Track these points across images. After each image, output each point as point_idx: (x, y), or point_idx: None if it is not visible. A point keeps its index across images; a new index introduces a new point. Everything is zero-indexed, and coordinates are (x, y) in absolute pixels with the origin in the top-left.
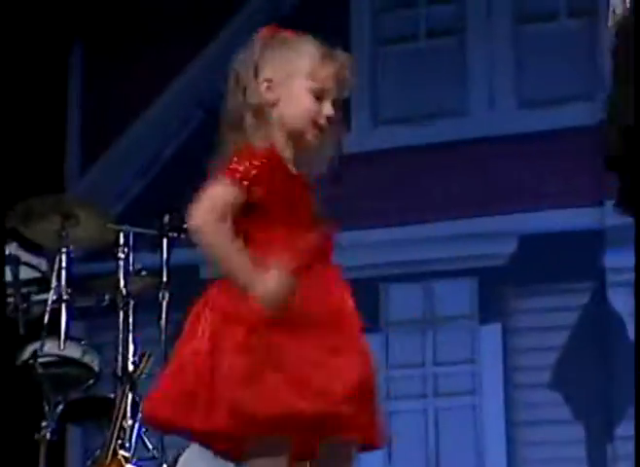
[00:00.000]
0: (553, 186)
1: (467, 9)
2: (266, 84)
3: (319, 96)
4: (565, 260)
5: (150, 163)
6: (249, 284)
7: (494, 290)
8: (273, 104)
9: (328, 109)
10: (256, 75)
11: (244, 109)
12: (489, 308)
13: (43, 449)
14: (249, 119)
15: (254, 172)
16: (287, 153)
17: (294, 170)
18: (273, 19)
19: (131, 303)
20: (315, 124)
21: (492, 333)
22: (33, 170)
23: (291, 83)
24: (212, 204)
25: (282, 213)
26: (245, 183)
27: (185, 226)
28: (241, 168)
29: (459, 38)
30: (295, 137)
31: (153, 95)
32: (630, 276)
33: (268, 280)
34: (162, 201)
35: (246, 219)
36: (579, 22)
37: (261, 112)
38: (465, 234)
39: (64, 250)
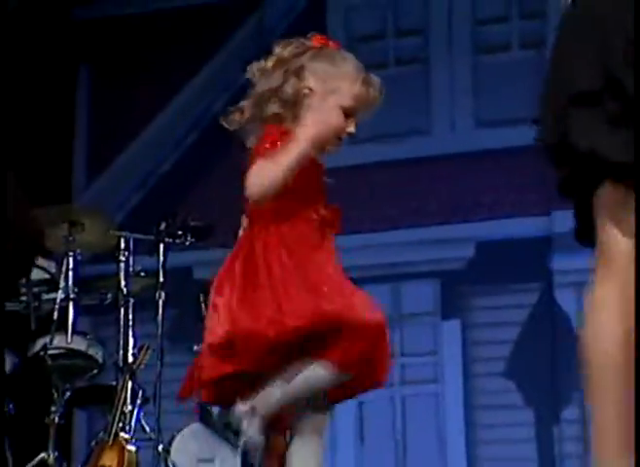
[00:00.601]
0: (507, 198)
1: (430, 41)
2: (307, 90)
3: (349, 114)
4: (517, 263)
5: (148, 177)
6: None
7: (454, 290)
8: (307, 109)
9: (352, 127)
10: (298, 76)
11: (279, 93)
12: (450, 306)
13: (52, 432)
14: (278, 103)
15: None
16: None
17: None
18: (260, 48)
19: (131, 301)
20: (339, 138)
21: (453, 328)
22: (44, 183)
23: (328, 98)
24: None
25: (299, 189)
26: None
27: (179, 232)
28: (271, 149)
29: (423, 66)
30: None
31: (151, 117)
32: (574, 278)
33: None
34: (159, 211)
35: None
36: (528, 53)
37: (291, 105)
38: (429, 240)
39: (71, 254)
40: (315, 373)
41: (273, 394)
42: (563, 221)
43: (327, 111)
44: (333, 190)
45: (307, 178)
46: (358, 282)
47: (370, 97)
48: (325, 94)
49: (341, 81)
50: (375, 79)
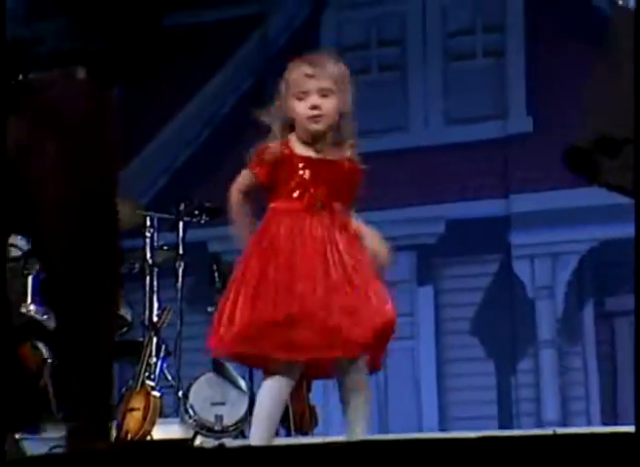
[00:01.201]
0: (472, 183)
1: (407, 50)
2: (277, 103)
3: (301, 97)
4: (480, 238)
5: (169, 167)
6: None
7: (428, 261)
8: (283, 116)
9: (309, 101)
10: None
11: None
12: (424, 274)
13: None
14: (274, 127)
15: (259, 162)
16: (299, 146)
17: (309, 154)
18: (262, 59)
19: (155, 270)
20: (308, 117)
21: (426, 293)
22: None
23: (285, 99)
24: (237, 182)
25: (279, 189)
26: (254, 171)
27: (195, 212)
28: (254, 162)
29: (401, 72)
30: (302, 132)
31: (171, 116)
32: (528, 251)
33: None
34: (179, 194)
35: (267, 194)
36: (491, 60)
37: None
38: (406, 219)
39: None
40: None
41: None
42: (519, 203)
43: (289, 108)
44: None
45: (286, 173)
46: None
47: (302, 73)
48: (284, 98)
49: (286, 79)
50: (305, 58)
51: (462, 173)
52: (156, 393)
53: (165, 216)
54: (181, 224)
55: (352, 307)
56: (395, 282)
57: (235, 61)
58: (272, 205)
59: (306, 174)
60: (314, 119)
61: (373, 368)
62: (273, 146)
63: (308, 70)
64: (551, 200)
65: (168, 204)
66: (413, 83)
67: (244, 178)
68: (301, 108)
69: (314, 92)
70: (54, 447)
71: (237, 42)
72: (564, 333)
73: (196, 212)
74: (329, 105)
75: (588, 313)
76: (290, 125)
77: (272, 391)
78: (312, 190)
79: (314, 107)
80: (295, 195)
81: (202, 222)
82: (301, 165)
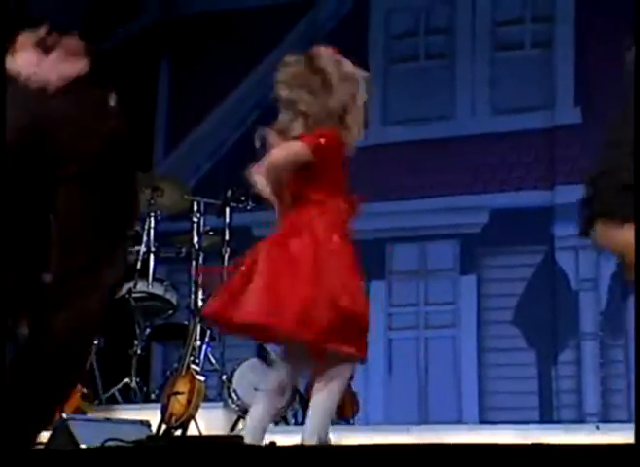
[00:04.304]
0: (517, 173)
1: (456, 38)
2: (326, 94)
3: (360, 107)
4: (524, 229)
5: (216, 150)
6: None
7: (471, 250)
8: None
9: (364, 116)
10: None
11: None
12: (467, 264)
13: (134, 362)
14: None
15: (320, 143)
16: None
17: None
18: (310, 45)
19: (201, 254)
20: (363, 129)
21: (469, 282)
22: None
23: (357, 105)
24: (288, 149)
25: (327, 179)
26: (312, 146)
27: (242, 198)
28: (313, 139)
29: (449, 60)
30: (350, 135)
31: (219, 100)
32: (572, 242)
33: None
34: (226, 179)
35: (302, 179)
36: (539, 50)
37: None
38: (451, 208)
39: (152, 214)
40: None
41: None
42: (565, 194)
43: None
44: (373, 165)
45: (337, 169)
46: (391, 242)
47: None
48: None
49: None
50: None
51: (508, 163)
52: (200, 377)
53: (212, 201)
54: (227, 209)
55: None
56: (438, 271)
57: (284, 47)
58: (315, 195)
59: (343, 173)
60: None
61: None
62: (333, 133)
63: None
64: None
65: (214, 188)
66: (461, 71)
67: (299, 151)
68: (361, 118)
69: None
70: (108, 439)
71: (286, 27)
72: (607, 325)
73: (243, 198)
74: None
75: (632, 306)
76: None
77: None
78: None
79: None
80: (335, 189)
81: (248, 208)
82: (343, 164)
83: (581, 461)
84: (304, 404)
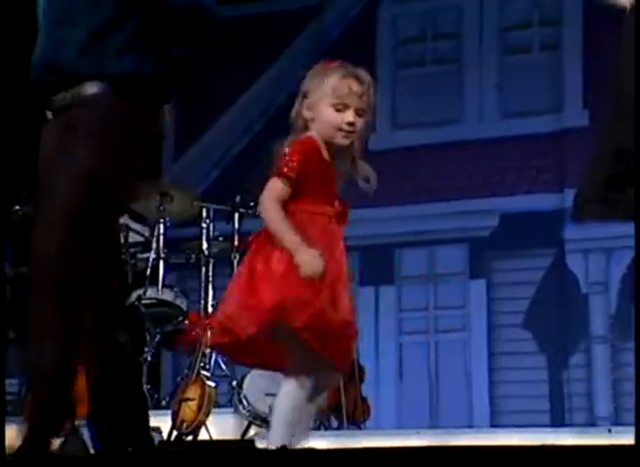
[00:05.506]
0: (526, 177)
1: (463, 43)
2: (305, 105)
3: (340, 109)
4: (534, 232)
5: (224, 156)
6: (295, 250)
7: (481, 254)
8: (312, 119)
9: (348, 116)
10: (304, 97)
11: (296, 119)
12: (477, 267)
13: (144, 368)
14: (298, 124)
15: (293, 165)
16: (324, 151)
17: (327, 158)
18: (317, 52)
19: (211, 261)
20: (340, 129)
21: (479, 286)
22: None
23: (319, 102)
24: (271, 194)
25: (309, 191)
26: (291, 176)
27: (251, 203)
28: (286, 167)
29: (457, 65)
30: (328, 141)
31: (226, 107)
32: (582, 245)
33: (310, 252)
34: (234, 185)
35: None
36: (547, 54)
37: (304, 123)
38: (459, 212)
39: (162, 221)
40: None
41: None
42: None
43: (321, 115)
44: (382, 170)
45: (320, 178)
46: (400, 246)
47: (351, 88)
48: (316, 101)
49: (323, 84)
50: (355, 70)
51: (517, 167)
52: (211, 383)
53: (222, 207)
54: (237, 215)
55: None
56: (448, 275)
57: (290, 53)
58: (302, 207)
59: (327, 178)
60: (345, 134)
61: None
62: (304, 145)
63: (355, 86)
64: None
65: (223, 194)
66: (469, 76)
67: (279, 188)
68: (336, 119)
69: (353, 109)
70: None
71: (293, 34)
72: (617, 328)
73: (252, 204)
74: (361, 125)
75: None
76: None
77: (291, 397)
78: (330, 192)
79: (350, 124)
80: (321, 197)
81: (257, 214)
82: (325, 169)
83: (589, 462)
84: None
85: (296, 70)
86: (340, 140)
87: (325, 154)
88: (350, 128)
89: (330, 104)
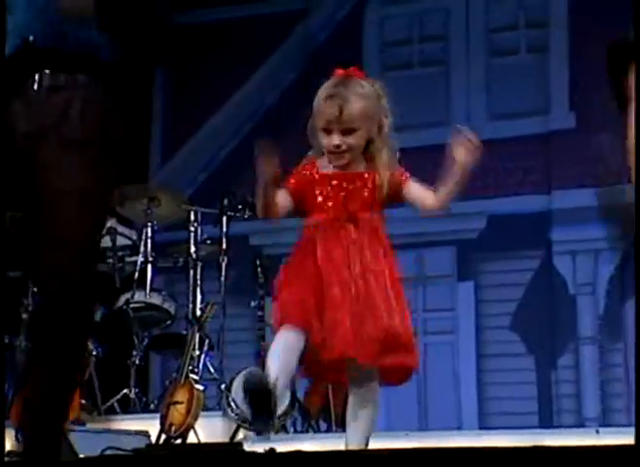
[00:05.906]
0: (514, 178)
1: (450, 45)
2: (309, 127)
3: (328, 130)
4: (521, 234)
5: (212, 160)
6: None
7: (469, 256)
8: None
9: (333, 140)
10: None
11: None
12: (465, 270)
13: (133, 372)
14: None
15: (292, 180)
16: (325, 162)
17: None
18: (305, 54)
19: (199, 264)
20: (330, 152)
21: (467, 288)
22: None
23: (314, 125)
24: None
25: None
26: (290, 187)
27: (239, 206)
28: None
29: (444, 67)
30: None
31: (214, 110)
32: (569, 247)
33: None
34: (221, 188)
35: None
36: (534, 56)
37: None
38: (447, 214)
39: (149, 224)
40: None
41: None
42: (561, 199)
43: (314, 137)
44: None
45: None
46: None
47: (335, 109)
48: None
49: (315, 105)
50: (340, 89)
51: (504, 169)
52: (199, 387)
53: (209, 211)
54: (224, 218)
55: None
56: (436, 277)
57: (278, 56)
58: (304, 223)
59: (327, 191)
60: (336, 155)
61: (383, 378)
62: (299, 170)
63: (333, 108)
64: (592, 197)
65: (210, 198)
66: (456, 78)
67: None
68: (325, 141)
69: (337, 132)
70: (107, 448)
71: (280, 37)
72: (605, 329)
73: (240, 207)
74: (352, 141)
75: (630, 310)
76: None
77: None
78: (333, 204)
79: (337, 146)
80: (320, 211)
81: (246, 217)
82: (321, 183)
83: (580, 463)
84: (304, 412)
85: (284, 73)
86: (335, 162)
87: (327, 167)
88: (338, 150)
89: (319, 128)
